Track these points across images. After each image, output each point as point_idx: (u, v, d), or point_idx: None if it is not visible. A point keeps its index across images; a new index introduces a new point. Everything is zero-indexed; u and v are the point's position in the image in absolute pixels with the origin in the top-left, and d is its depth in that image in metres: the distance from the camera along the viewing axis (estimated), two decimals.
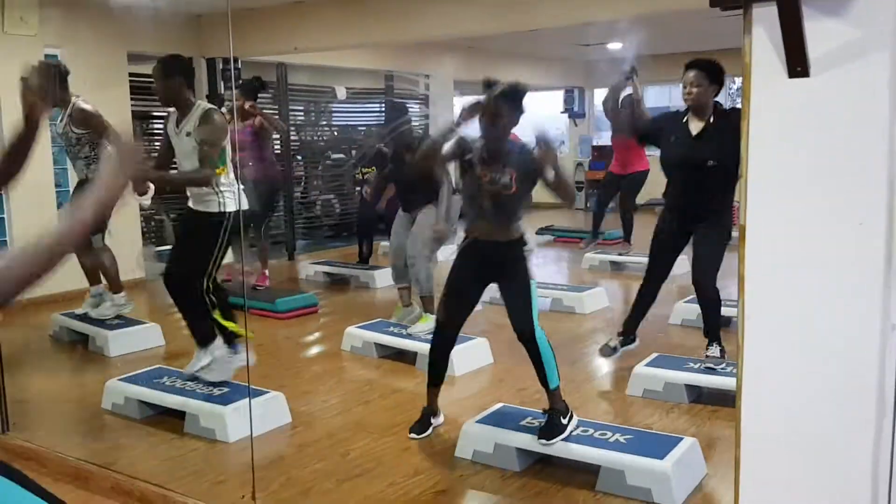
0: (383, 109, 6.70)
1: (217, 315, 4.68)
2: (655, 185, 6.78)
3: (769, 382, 2.22)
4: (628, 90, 5.83)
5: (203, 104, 4.64)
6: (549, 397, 3.99)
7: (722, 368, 4.81)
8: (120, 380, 4.85)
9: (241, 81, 8.58)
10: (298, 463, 4.04)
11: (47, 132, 6.28)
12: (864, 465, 2.10)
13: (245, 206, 4.73)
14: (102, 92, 7.58)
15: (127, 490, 3.73)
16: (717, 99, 4.93)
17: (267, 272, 7.94)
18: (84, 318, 6.30)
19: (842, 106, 2.04)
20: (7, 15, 7.20)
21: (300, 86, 11.31)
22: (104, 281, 6.38)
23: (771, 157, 2.14)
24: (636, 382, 4.89)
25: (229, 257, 7.80)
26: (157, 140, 9.68)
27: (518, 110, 3.93)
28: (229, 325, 4.72)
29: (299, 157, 11.75)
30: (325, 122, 12.55)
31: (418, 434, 4.27)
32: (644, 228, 9.04)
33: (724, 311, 6.30)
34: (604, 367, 5.52)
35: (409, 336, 5.78)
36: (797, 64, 2.02)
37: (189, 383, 4.74)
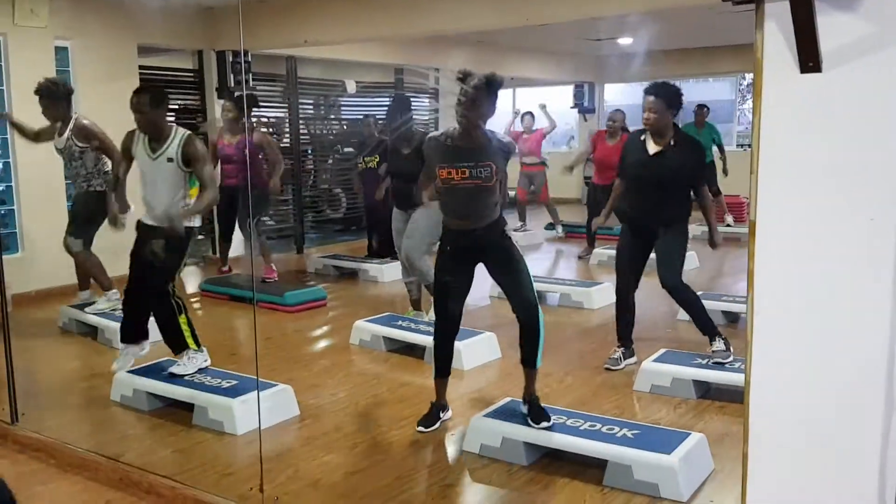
0: (389, 102, 6.69)
1: (182, 320, 4.86)
2: None
3: (777, 378, 2.22)
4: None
5: (182, 131, 4.86)
6: (529, 378, 4.12)
7: (730, 363, 4.81)
8: (128, 371, 4.87)
9: (235, 95, 8.65)
10: (306, 455, 4.05)
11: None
12: (871, 461, 2.09)
13: (199, 223, 5.00)
14: (112, 84, 7.59)
15: (135, 481, 3.75)
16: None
17: (273, 265, 7.96)
18: (93, 310, 6.35)
19: (854, 101, 2.03)
20: (18, 7, 7.21)
21: (310, 79, 11.30)
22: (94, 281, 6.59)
23: (782, 152, 2.13)
24: (644, 378, 4.89)
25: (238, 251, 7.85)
26: None
27: (494, 101, 3.95)
28: (188, 333, 4.89)
29: (309, 151, 11.76)
30: (334, 116, 12.54)
31: (426, 427, 4.28)
32: None
33: (733, 307, 6.31)
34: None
35: (419, 331, 5.77)
36: (809, 59, 2.02)
37: (197, 375, 4.76)
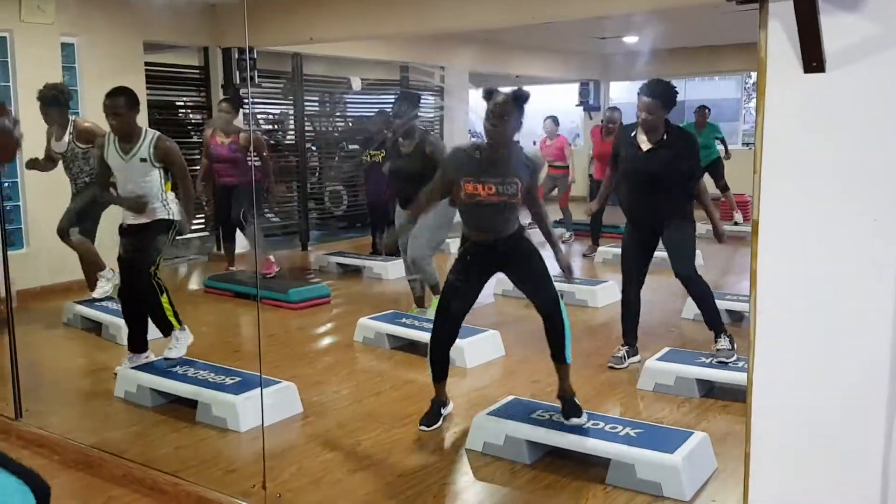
0: (395, 97, 6.63)
1: (164, 300, 4.95)
2: None
3: (780, 379, 2.22)
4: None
5: (152, 132, 5.00)
6: (562, 374, 4.08)
7: (733, 362, 4.81)
8: (132, 368, 4.88)
9: (227, 96, 8.68)
10: (309, 453, 4.05)
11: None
12: (874, 462, 2.09)
13: (180, 217, 5.15)
14: (118, 81, 7.59)
15: (139, 478, 3.76)
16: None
17: (272, 258, 7.99)
18: (97, 306, 6.37)
19: (857, 101, 2.03)
20: (24, 3, 7.22)
21: (315, 76, 11.30)
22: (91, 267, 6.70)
23: (785, 152, 2.13)
24: (647, 376, 4.89)
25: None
26: (166, 129, 9.79)
27: (521, 116, 3.95)
28: (169, 312, 4.99)
29: (314, 148, 11.76)
30: (339, 113, 12.54)
31: (428, 426, 4.28)
32: None
33: (737, 305, 6.30)
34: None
35: (423, 328, 5.77)
36: (813, 59, 2.01)
37: (202, 372, 4.77)
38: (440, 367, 4.34)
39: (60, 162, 6.48)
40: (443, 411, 4.40)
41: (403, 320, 5.99)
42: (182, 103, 10.13)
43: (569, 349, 4.07)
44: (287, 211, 10.90)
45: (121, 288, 5.18)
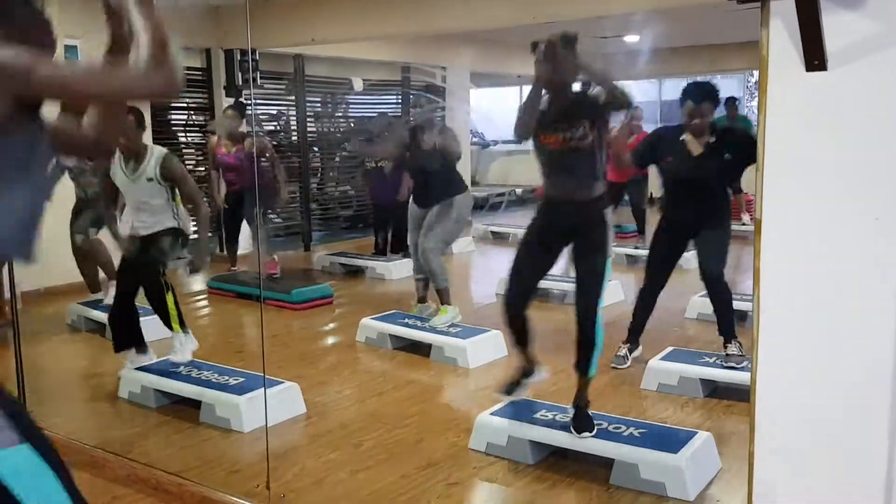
0: (411, 97, 6.47)
1: (170, 298, 4.90)
2: None
3: (783, 378, 2.22)
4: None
5: (157, 149, 4.95)
6: (581, 385, 3.94)
7: (743, 367, 4.79)
8: (136, 369, 4.89)
9: (231, 104, 8.67)
10: (312, 453, 4.05)
11: None
12: (878, 461, 2.09)
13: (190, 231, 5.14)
14: None
15: (143, 478, 3.76)
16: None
17: (276, 258, 7.99)
18: (102, 307, 6.37)
19: (859, 100, 2.02)
20: None
21: (317, 77, 11.31)
22: (101, 273, 6.64)
23: (787, 151, 2.13)
24: (651, 376, 4.88)
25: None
26: (166, 130, 9.77)
27: (573, 57, 3.78)
28: (173, 313, 4.92)
29: (316, 149, 11.77)
30: (341, 114, 12.55)
31: (506, 394, 4.14)
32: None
33: (740, 305, 6.29)
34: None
35: (425, 328, 5.77)
36: (815, 57, 2.01)
37: (205, 373, 4.77)
38: (515, 331, 4.10)
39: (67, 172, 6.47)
40: (524, 381, 4.16)
41: (406, 320, 5.99)
42: (184, 104, 10.13)
43: (594, 364, 3.90)
44: (289, 211, 10.91)
45: (116, 291, 5.10)
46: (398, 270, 8.40)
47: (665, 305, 6.46)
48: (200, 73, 9.70)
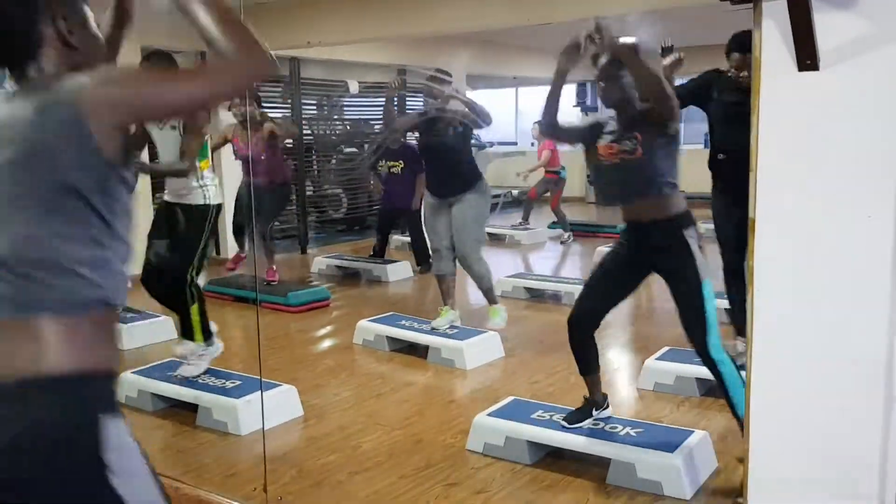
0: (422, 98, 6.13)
1: (194, 310, 4.73)
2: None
3: (778, 376, 2.23)
4: None
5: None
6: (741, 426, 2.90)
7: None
8: (133, 372, 4.88)
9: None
10: (310, 456, 4.06)
11: None
12: (871, 458, 2.10)
13: (220, 200, 4.85)
14: None
15: None
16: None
17: (274, 267, 7.90)
18: None
19: (851, 99, 2.04)
20: None
21: (313, 80, 11.32)
22: None
23: (780, 150, 2.14)
24: (647, 376, 4.89)
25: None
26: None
27: (634, 67, 3.52)
28: (197, 326, 4.76)
29: (312, 152, 11.77)
30: (337, 117, 12.56)
31: (567, 423, 3.88)
32: None
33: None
34: (615, 360, 5.53)
35: (422, 330, 5.77)
36: (807, 57, 2.03)
37: (202, 376, 4.76)
38: (582, 355, 3.88)
39: None
40: (594, 412, 3.92)
41: (403, 322, 6.00)
42: None
43: (740, 400, 3.02)
44: (286, 215, 10.90)
45: (143, 274, 4.80)
46: (395, 273, 8.41)
47: (662, 306, 6.48)
48: None
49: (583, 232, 11.23)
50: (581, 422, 3.88)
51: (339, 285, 8.28)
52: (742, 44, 4.41)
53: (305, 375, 5.25)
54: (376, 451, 4.07)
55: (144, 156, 5.89)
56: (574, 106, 15.76)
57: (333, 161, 12.21)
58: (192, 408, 4.51)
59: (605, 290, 3.81)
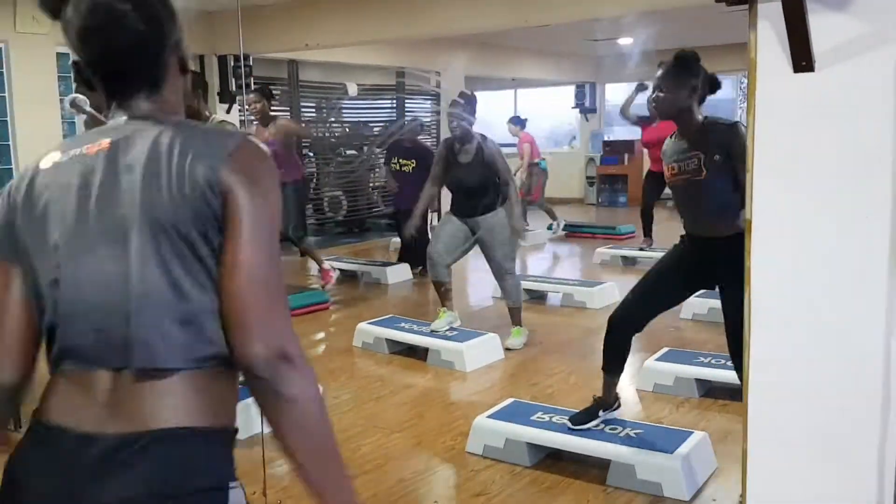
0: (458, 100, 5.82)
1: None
2: None
3: (776, 376, 2.23)
4: None
5: (217, 117, 4.91)
6: None
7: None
8: None
9: (255, 87, 8.56)
10: None
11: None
12: (869, 458, 2.10)
13: None
14: None
15: None
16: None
17: (327, 266, 7.71)
18: None
19: (847, 100, 2.04)
20: (19, 14, 7.23)
21: (311, 82, 11.34)
22: None
23: (776, 151, 2.14)
24: (647, 377, 4.89)
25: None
26: None
27: (688, 82, 3.43)
28: None
29: (311, 154, 11.78)
30: (335, 119, 12.57)
31: (572, 424, 3.88)
32: (659, 224, 9.04)
33: None
34: None
35: (422, 332, 5.77)
36: (802, 59, 2.03)
37: None
38: (611, 356, 3.84)
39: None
40: (601, 414, 3.91)
41: (402, 325, 6.00)
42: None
43: None
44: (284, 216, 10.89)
45: None
46: (394, 275, 8.41)
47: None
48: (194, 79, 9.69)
49: (582, 233, 11.24)
50: (587, 423, 3.88)
51: (338, 287, 8.28)
52: None
53: None
54: (376, 454, 4.07)
55: None
56: (573, 107, 15.81)
57: (332, 164, 12.21)
58: None
59: (656, 295, 3.76)
